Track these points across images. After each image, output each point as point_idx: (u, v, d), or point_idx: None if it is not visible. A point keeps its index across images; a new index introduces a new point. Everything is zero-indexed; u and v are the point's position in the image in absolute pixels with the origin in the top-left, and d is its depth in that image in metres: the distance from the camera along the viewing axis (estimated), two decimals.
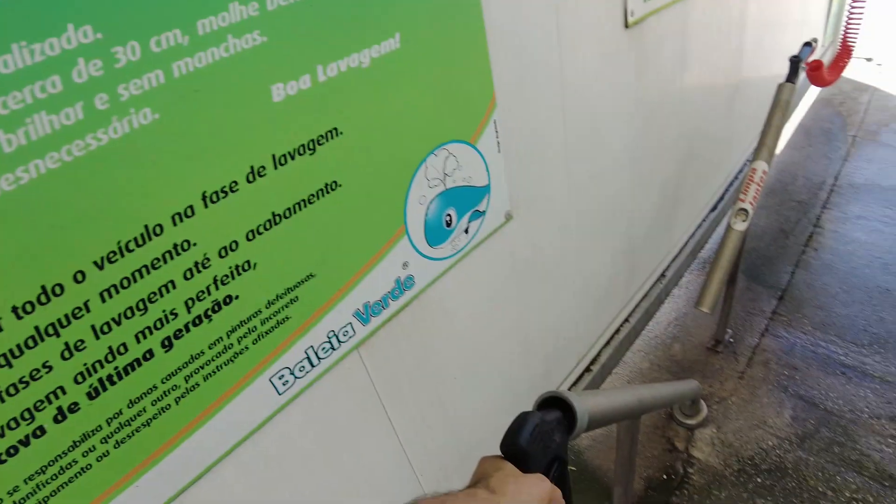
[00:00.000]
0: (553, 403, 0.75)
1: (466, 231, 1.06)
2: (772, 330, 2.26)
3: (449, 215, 1.00)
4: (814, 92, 4.25)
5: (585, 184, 1.45)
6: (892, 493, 1.71)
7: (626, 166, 1.65)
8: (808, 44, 1.94)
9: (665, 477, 1.80)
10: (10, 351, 0.55)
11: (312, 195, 0.75)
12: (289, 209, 0.72)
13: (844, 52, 2.34)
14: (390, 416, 1.03)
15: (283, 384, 0.80)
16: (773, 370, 2.09)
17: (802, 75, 2.05)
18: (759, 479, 1.76)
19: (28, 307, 0.55)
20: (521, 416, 0.55)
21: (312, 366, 0.83)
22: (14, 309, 0.54)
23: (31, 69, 0.50)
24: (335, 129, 0.74)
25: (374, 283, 0.89)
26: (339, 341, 0.86)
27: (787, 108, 1.78)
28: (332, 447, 0.94)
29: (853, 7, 2.26)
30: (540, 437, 0.54)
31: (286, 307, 0.76)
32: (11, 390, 0.56)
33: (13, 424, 0.57)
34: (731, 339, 2.24)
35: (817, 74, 2.22)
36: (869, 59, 4.94)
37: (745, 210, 1.68)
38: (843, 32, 2.39)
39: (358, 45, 0.74)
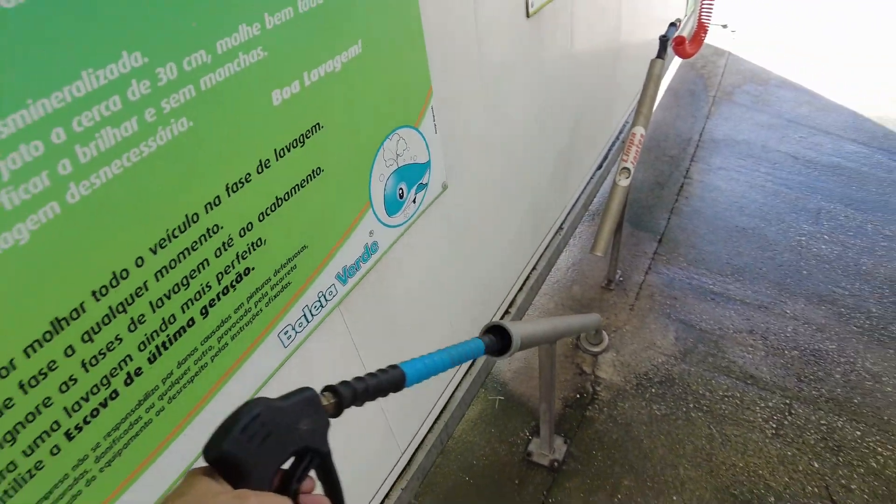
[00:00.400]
0: (495, 331, 0.98)
1: (414, 201, 1.24)
2: (654, 268, 2.65)
3: (401, 189, 1.18)
4: (677, 59, 4.76)
5: (500, 153, 1.67)
6: (753, 388, 2.15)
7: (532, 135, 1.89)
8: (673, 24, 2.27)
9: (578, 396, 2.13)
10: (91, 328, 0.66)
11: (304, 180, 0.89)
12: (288, 193, 0.87)
13: (700, 29, 2.73)
14: (364, 363, 1.21)
15: (288, 339, 0.96)
16: (657, 301, 2.49)
17: (669, 49, 2.39)
18: (653, 390, 2.13)
19: (103, 290, 0.67)
20: (240, 407, 0.45)
21: (308, 321, 0.99)
22: (93, 293, 0.66)
23: (98, 92, 0.61)
24: (318, 123, 0.89)
25: (349, 250, 1.05)
26: (325, 300, 1.02)
27: (659, 80, 2.09)
28: (325, 367, 1.11)
29: None
30: (263, 433, 0.44)
31: (288, 274, 0.91)
32: (93, 361, 0.68)
33: (95, 390, 0.69)
34: (621, 278, 2.61)
35: (681, 49, 2.58)
36: (724, 26, 5.55)
37: (627, 169, 1.99)
38: (699, 10, 2.78)
39: (332, 52, 0.88)
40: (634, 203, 3.07)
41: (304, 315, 0.98)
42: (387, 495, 1.58)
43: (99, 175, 0.63)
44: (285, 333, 0.95)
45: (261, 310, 0.88)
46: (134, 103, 0.64)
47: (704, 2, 2.66)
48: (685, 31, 4.15)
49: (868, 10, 5.50)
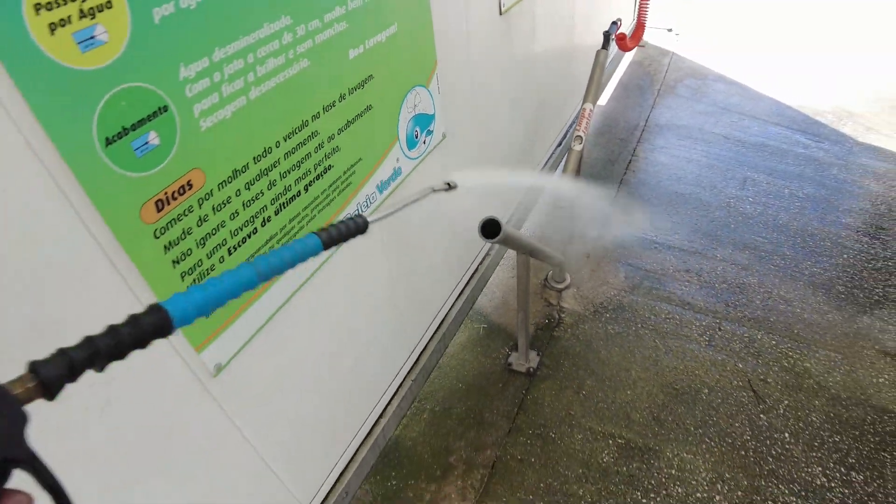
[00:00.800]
0: (492, 224, 1.43)
1: (424, 142, 1.70)
2: None
3: (416, 131, 1.64)
4: (629, 57, 5.35)
5: (483, 119, 2.14)
6: (689, 312, 2.65)
7: (506, 107, 2.38)
8: (614, 22, 2.79)
9: (547, 321, 2.61)
10: (250, 181, 1.10)
11: (362, 111, 1.35)
12: (353, 118, 1.32)
13: (639, 27, 3.27)
14: (387, 258, 1.66)
15: None
16: (609, 250, 2.99)
17: (613, 44, 2.92)
18: (608, 315, 2.62)
19: (258, 157, 1.10)
20: None
21: None
22: (254, 158, 1.09)
23: (270, 36, 1.05)
24: (371, 75, 1.35)
25: (384, 169, 1.51)
26: (370, 202, 1.47)
27: (604, 67, 2.61)
28: (358, 276, 1.55)
29: None
30: None
31: (351, 175, 1.36)
32: (249, 203, 1.11)
33: (247, 223, 1.12)
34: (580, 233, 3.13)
35: (622, 43, 3.12)
36: (670, 30, 6.19)
37: (580, 136, 2.49)
38: (638, 11, 3.32)
39: (381, 28, 1.34)
40: (590, 177, 3.59)
41: (358, 209, 1.43)
42: (400, 385, 2.02)
43: (265, 85, 1.07)
44: None
45: (334, 197, 1.33)
46: (285, 46, 1.09)
47: (643, 4, 3.22)
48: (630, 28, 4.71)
49: (795, 16, 6.21)
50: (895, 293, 2.87)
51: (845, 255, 3.08)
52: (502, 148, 2.46)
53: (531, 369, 2.39)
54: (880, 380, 2.46)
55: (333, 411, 1.66)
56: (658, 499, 2.06)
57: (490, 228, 1.47)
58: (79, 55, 0.72)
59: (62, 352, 0.44)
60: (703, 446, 2.20)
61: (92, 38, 0.75)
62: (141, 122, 0.85)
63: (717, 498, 2.07)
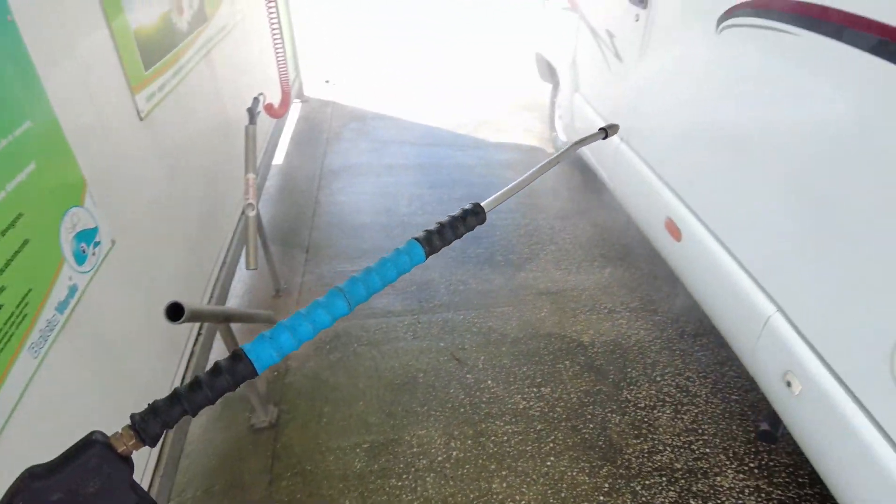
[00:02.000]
0: (175, 307, 1.66)
1: (94, 254, 1.82)
2: (308, 270, 3.56)
3: (83, 246, 1.75)
4: (294, 114, 5.87)
5: (152, 214, 2.30)
6: (392, 318, 3.17)
7: (177, 196, 2.56)
8: (255, 98, 3.18)
9: (276, 373, 2.87)
10: None
11: (20, 247, 1.44)
12: (13, 256, 1.41)
13: (285, 95, 3.74)
14: (90, 371, 1.74)
15: (34, 352, 1.47)
16: (315, 292, 3.38)
17: (262, 115, 3.30)
18: (327, 347, 3.00)
19: None
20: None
21: (45, 341, 1.51)
22: None
23: None
24: (20, 213, 1.45)
25: (58, 291, 1.60)
26: (52, 327, 1.56)
27: (255, 139, 2.97)
28: (60, 401, 1.62)
29: (280, 68, 3.67)
30: None
31: (25, 307, 1.44)
32: None
33: None
34: (285, 286, 3.45)
35: (273, 112, 3.54)
36: (327, 81, 6.92)
37: (251, 204, 2.80)
38: (280, 79, 3.79)
39: (18, 171, 1.45)
40: (281, 230, 3.95)
41: (42, 336, 1.51)
42: (150, 483, 2.07)
43: None
44: (32, 348, 1.47)
45: (13, 332, 1.40)
46: None
47: (281, 73, 3.69)
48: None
49: (437, 56, 7.52)
50: (538, 248, 3.86)
51: (498, 233, 4.00)
52: (182, 233, 2.64)
53: (272, 422, 2.61)
54: (542, 314, 3.31)
55: None
56: (409, 476, 2.49)
57: (174, 311, 1.68)
58: None
59: (156, 409, 0.50)
60: (432, 419, 2.72)
61: None
62: None
63: (455, 453, 2.59)
